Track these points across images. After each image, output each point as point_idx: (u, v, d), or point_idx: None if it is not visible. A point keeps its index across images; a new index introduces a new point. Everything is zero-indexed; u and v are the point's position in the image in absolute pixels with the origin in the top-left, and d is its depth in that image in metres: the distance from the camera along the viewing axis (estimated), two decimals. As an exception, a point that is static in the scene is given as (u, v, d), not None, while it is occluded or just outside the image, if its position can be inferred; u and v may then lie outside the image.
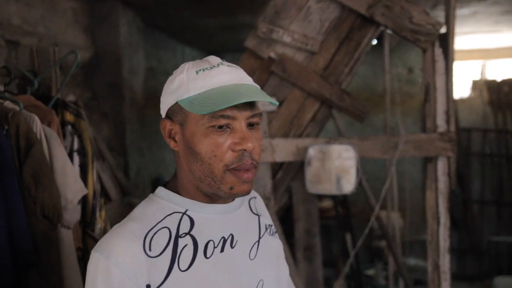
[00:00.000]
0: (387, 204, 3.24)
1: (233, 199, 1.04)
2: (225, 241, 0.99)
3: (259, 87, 0.99)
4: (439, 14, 4.30)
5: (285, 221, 3.76)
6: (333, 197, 4.36)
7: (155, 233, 0.94)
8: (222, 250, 0.97)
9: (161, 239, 0.94)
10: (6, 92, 1.70)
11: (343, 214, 4.43)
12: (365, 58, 3.74)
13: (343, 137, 2.43)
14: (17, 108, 1.56)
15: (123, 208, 3.16)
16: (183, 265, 0.93)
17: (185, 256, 0.94)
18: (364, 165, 4.35)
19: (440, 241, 2.32)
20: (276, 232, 1.14)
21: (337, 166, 2.37)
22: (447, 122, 2.32)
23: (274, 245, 1.10)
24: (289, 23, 2.38)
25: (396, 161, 2.44)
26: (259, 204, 1.15)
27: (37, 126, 1.57)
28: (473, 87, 5.95)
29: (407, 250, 4.88)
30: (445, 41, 2.29)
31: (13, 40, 2.52)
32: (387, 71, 3.04)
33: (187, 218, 0.97)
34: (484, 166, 5.74)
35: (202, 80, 0.94)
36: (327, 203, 5.00)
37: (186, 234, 0.95)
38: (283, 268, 1.11)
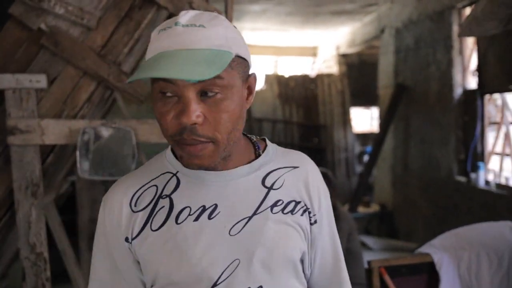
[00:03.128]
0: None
1: (235, 166, 0.96)
2: (204, 210, 0.95)
3: (217, 51, 0.86)
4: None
5: (67, 210, 3.52)
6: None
7: (145, 190, 0.98)
8: (196, 219, 0.94)
9: (148, 196, 0.98)
10: None
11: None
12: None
13: (121, 119, 2.34)
14: None
15: None
16: (154, 226, 0.96)
17: (158, 217, 0.96)
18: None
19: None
20: (306, 211, 0.99)
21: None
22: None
23: (278, 223, 0.96)
24: (63, -7, 2.18)
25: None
26: (291, 177, 1.00)
27: None
28: (266, 81, 6.41)
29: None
30: (224, 30, 2.36)
31: None
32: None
33: (175, 180, 0.98)
34: (273, 153, 6.25)
35: (156, 43, 0.88)
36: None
37: (167, 196, 0.97)
38: (289, 251, 0.96)
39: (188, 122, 0.85)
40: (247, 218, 0.95)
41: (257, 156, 1.01)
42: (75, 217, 3.28)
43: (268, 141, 1.07)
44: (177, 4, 2.25)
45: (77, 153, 2.19)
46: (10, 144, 2.17)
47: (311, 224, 1.01)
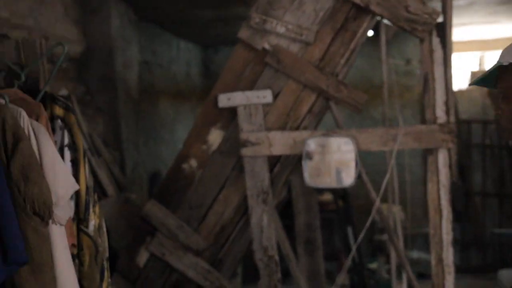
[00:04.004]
0: (388, 197, 3.20)
1: None
2: None
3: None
4: (436, 5, 4.25)
5: (285, 216, 3.73)
6: (333, 191, 4.33)
7: None
8: None
9: None
10: (-8, 86, 1.66)
11: (344, 207, 4.40)
12: (363, 50, 3.65)
13: (341, 129, 2.39)
14: (2, 102, 1.51)
15: (120, 204, 3.13)
16: None
17: None
18: (365, 158, 4.29)
19: (443, 234, 2.29)
20: None
21: (337, 159, 2.35)
22: (447, 113, 2.28)
23: None
24: (283, 13, 2.34)
25: (396, 154, 2.42)
26: None
27: (24, 120, 1.53)
28: (472, 79, 5.90)
29: (409, 243, 4.85)
30: (443, 31, 2.25)
31: (1, 33, 2.47)
32: (384, 62, 2.99)
33: None
34: (485, 157, 5.70)
35: None
36: (327, 197, 4.96)
37: None
38: None
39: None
40: None
41: None
42: (290, 223, 3.46)
43: None
44: (393, 11, 2.22)
45: (303, 162, 2.30)
46: (243, 156, 2.40)
47: None
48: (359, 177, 2.82)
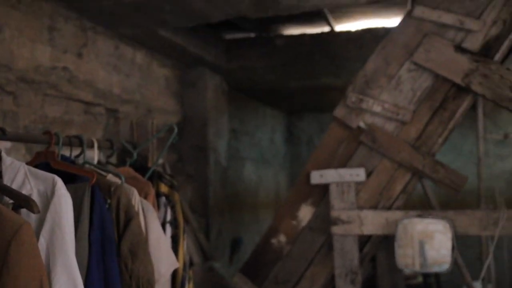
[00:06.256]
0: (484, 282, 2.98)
1: None
2: None
3: None
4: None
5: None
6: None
7: None
8: None
9: None
10: (108, 164, 1.79)
11: (425, 284, 4.14)
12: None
13: (436, 210, 2.30)
14: (118, 181, 1.62)
15: (205, 273, 3.16)
16: None
17: None
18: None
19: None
20: None
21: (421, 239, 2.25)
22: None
23: None
24: (379, 92, 2.35)
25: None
26: None
27: (136, 199, 1.62)
28: None
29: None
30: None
31: (113, 108, 2.68)
32: (480, 137, 2.88)
33: None
34: None
35: None
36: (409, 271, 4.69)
37: None
38: None
39: None
40: None
41: None
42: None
43: None
44: (496, 91, 2.16)
45: (395, 244, 2.23)
46: (333, 234, 2.36)
47: None
48: (455, 261, 2.67)
